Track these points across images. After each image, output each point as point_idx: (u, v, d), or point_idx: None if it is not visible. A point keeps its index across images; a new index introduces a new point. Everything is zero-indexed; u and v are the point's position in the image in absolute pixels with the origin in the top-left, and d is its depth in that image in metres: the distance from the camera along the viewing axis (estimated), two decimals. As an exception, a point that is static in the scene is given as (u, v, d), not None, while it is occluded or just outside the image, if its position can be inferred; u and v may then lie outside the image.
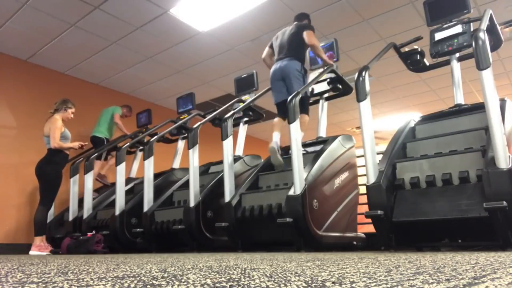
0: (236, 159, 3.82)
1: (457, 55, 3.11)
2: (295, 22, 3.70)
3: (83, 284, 0.73)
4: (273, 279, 0.79)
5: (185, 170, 4.38)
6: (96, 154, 4.77)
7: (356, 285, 0.67)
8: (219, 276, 0.85)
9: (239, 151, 4.24)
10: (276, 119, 3.54)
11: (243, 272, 0.96)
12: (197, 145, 3.68)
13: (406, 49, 3.32)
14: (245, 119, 4.35)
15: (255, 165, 3.85)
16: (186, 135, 4.76)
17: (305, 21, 3.72)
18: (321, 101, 3.82)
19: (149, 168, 4.01)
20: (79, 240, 3.98)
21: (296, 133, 2.88)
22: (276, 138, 3.36)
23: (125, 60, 5.55)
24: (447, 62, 3.16)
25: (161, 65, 5.73)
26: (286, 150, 3.54)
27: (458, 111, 2.93)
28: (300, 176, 2.77)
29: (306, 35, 3.47)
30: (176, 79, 6.16)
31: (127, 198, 4.21)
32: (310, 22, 3.76)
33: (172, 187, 4.25)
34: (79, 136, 5.38)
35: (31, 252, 4.07)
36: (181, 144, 5.10)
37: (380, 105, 7.25)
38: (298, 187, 2.75)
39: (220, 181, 3.48)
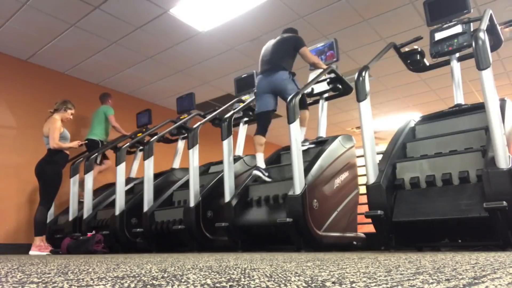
0: (236, 159, 3.82)
1: (457, 55, 3.11)
2: (282, 35, 3.57)
3: (83, 284, 0.73)
4: (273, 279, 0.79)
5: (185, 170, 4.38)
6: (92, 157, 4.73)
7: (356, 285, 0.67)
8: (219, 276, 0.85)
9: (239, 151, 4.24)
10: (258, 138, 3.37)
11: (243, 272, 0.96)
12: (197, 145, 3.68)
13: (406, 49, 3.32)
14: (245, 119, 4.35)
15: (255, 165, 3.84)
16: (186, 135, 4.76)
17: (293, 34, 3.59)
18: (321, 101, 3.81)
19: (149, 168, 4.01)
20: (79, 240, 3.98)
21: (296, 133, 2.88)
22: (260, 162, 3.28)
23: (125, 60, 5.54)
24: (447, 62, 3.16)
25: (161, 65, 5.73)
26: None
27: (458, 111, 2.93)
28: (300, 176, 2.77)
29: (304, 55, 3.38)
30: (176, 79, 6.16)
31: (127, 198, 4.21)
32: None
33: (172, 187, 4.25)
34: (78, 136, 5.39)
35: (31, 252, 4.07)
36: (181, 144, 5.10)
37: (380, 105, 7.25)
38: (298, 187, 2.75)
39: (220, 181, 3.48)
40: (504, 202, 1.98)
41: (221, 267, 1.15)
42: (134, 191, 4.65)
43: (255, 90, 3.53)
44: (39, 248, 4.09)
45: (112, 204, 4.24)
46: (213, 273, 0.95)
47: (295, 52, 3.43)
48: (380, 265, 1.10)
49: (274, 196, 3.10)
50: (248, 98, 4.19)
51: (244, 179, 3.44)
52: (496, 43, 2.92)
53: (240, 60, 5.55)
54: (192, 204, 3.44)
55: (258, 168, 3.24)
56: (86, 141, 5.14)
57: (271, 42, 3.55)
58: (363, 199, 2.83)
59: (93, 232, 4.02)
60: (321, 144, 3.39)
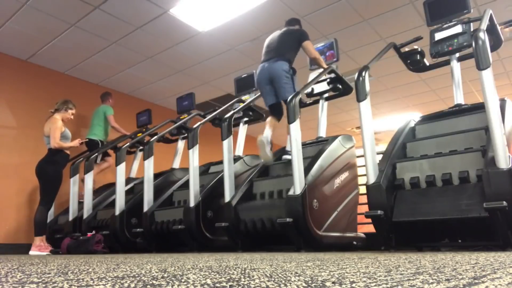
0: (236, 159, 3.82)
1: (457, 55, 3.11)
2: (287, 27, 3.63)
3: (83, 284, 0.73)
4: (273, 279, 0.79)
5: (185, 170, 4.38)
6: (92, 157, 4.72)
7: (356, 285, 0.67)
8: (219, 276, 0.85)
9: (239, 151, 4.24)
10: (269, 118, 3.55)
11: (243, 272, 0.96)
12: (197, 145, 3.68)
13: (406, 49, 3.32)
14: (245, 119, 4.35)
15: (255, 165, 3.84)
16: (186, 135, 4.76)
17: (296, 26, 3.66)
18: (321, 101, 3.81)
19: (149, 168, 4.01)
20: (79, 240, 3.98)
21: (296, 133, 2.88)
22: (267, 133, 3.36)
23: (125, 60, 5.55)
24: (447, 62, 3.16)
25: (161, 65, 5.73)
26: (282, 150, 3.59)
27: (458, 111, 2.93)
28: (300, 176, 2.77)
29: (307, 48, 3.42)
30: (176, 79, 6.16)
31: (127, 198, 4.21)
32: (301, 27, 3.71)
33: (172, 187, 4.25)
34: (79, 135, 5.38)
35: (31, 252, 4.07)
36: (181, 144, 5.10)
37: (380, 105, 7.25)
38: (298, 187, 2.75)
39: (220, 181, 3.48)
40: (504, 202, 1.98)
41: (221, 267, 1.15)
42: (134, 191, 4.65)
43: (256, 80, 3.59)
44: (39, 248, 4.09)
45: (112, 204, 4.24)
46: (213, 273, 0.95)
47: (299, 45, 3.46)
48: (380, 265, 1.10)
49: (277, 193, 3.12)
50: (248, 98, 4.19)
51: (245, 179, 3.45)
52: (496, 43, 2.92)
53: (240, 60, 5.55)
54: (192, 204, 3.44)
55: (287, 152, 3.41)
56: (87, 140, 5.14)
57: (276, 33, 3.59)
58: (363, 199, 2.82)
59: (93, 232, 4.02)
60: (321, 144, 3.39)
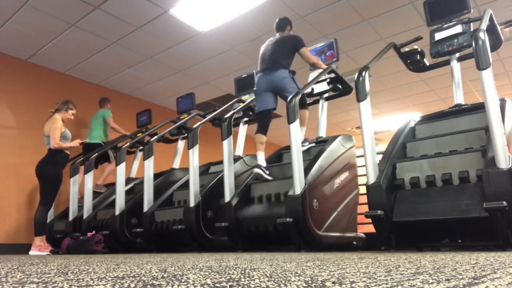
0: (236, 159, 3.82)
1: (457, 55, 3.11)
2: (280, 33, 3.56)
3: (83, 284, 0.73)
4: (273, 279, 0.79)
5: (185, 170, 4.38)
6: (92, 157, 4.69)
7: (356, 285, 0.67)
8: (219, 276, 0.85)
9: (239, 151, 4.24)
10: (258, 137, 3.38)
11: (243, 272, 0.96)
12: (197, 145, 3.68)
13: (406, 49, 3.32)
14: (245, 119, 4.35)
15: (255, 164, 3.84)
16: (186, 135, 4.76)
17: (287, 27, 3.61)
18: (321, 101, 3.81)
19: (149, 168, 4.01)
20: (79, 240, 3.98)
21: (296, 133, 2.88)
22: (261, 160, 3.27)
23: (125, 60, 5.55)
24: (447, 62, 3.16)
25: (161, 65, 5.73)
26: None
27: (458, 111, 2.93)
28: (300, 176, 2.77)
29: (304, 55, 3.38)
30: (176, 79, 6.17)
31: (127, 198, 4.21)
32: (291, 27, 3.65)
33: (172, 187, 4.25)
34: (78, 136, 5.38)
35: (31, 252, 4.07)
36: (181, 144, 5.10)
37: (380, 105, 7.25)
38: (298, 187, 2.75)
39: (220, 181, 3.48)
40: (504, 202, 1.98)
41: (221, 267, 1.15)
42: (134, 191, 4.65)
43: (254, 88, 3.53)
44: (39, 248, 4.09)
45: (112, 204, 4.24)
46: (213, 273, 0.95)
47: (294, 52, 3.43)
48: (380, 265, 1.10)
49: (276, 194, 3.11)
50: (248, 98, 4.19)
51: (245, 179, 3.45)
52: (496, 43, 2.92)
53: (240, 60, 5.55)
54: (192, 204, 3.44)
55: (259, 167, 3.23)
56: (87, 140, 5.13)
57: (270, 41, 3.55)
58: (363, 199, 2.83)
59: (93, 232, 4.02)
60: (321, 144, 3.39)
